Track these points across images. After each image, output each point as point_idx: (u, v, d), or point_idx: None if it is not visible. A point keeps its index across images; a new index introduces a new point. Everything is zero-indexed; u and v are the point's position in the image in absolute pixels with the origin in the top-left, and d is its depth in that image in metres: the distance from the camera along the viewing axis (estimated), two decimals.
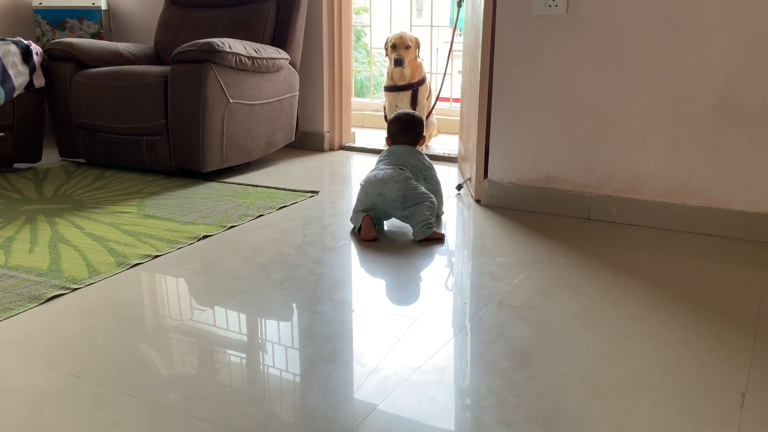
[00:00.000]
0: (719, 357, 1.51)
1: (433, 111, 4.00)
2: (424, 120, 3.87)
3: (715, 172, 2.35)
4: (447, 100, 4.74)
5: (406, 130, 2.59)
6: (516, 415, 1.29)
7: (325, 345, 1.56)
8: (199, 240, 2.29)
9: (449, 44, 3.83)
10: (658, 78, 2.38)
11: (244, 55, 3.10)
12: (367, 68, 6.00)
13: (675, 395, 1.36)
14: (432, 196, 2.39)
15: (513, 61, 2.60)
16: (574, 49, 2.49)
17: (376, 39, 5.06)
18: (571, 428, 1.25)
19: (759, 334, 1.62)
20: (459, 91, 4.96)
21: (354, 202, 2.43)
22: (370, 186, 2.37)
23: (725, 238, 2.34)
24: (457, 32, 3.83)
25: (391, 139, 2.63)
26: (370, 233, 2.28)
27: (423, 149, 2.70)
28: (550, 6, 2.49)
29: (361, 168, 3.47)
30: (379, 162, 2.54)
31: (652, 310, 1.76)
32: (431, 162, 2.60)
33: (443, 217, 2.58)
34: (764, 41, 2.20)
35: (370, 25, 5.17)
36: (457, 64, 4.68)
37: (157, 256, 2.13)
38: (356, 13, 6.47)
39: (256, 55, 3.18)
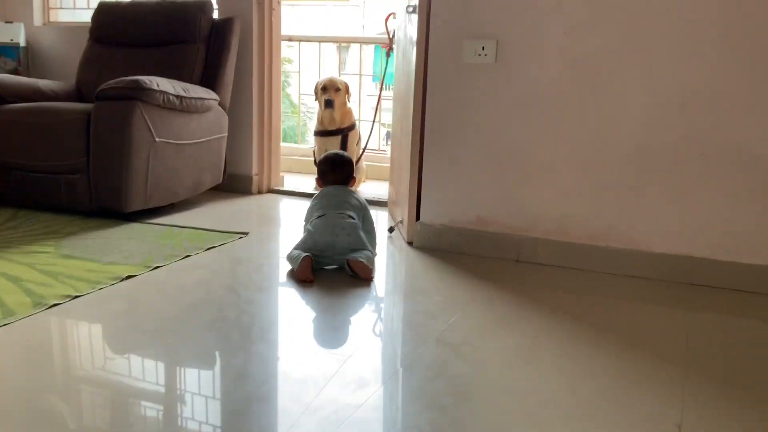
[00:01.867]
0: (653, 392, 1.54)
1: (362, 157, 4.02)
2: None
3: (636, 215, 2.45)
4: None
5: (335, 169, 2.59)
6: None
7: (261, 386, 1.50)
8: (121, 280, 2.18)
9: (377, 96, 3.90)
10: (581, 126, 2.48)
11: (171, 94, 3.04)
12: (291, 117, 5.99)
13: (616, 429, 1.37)
14: (372, 249, 2.43)
15: (444, 107, 2.65)
16: (503, 97, 2.57)
17: (303, 86, 5.07)
18: None
19: (688, 370, 1.67)
20: (384, 140, 5.03)
21: (284, 244, 2.38)
22: (319, 235, 2.34)
23: (647, 279, 2.43)
24: (384, 85, 3.92)
25: (321, 179, 2.63)
26: (307, 275, 2.24)
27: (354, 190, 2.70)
28: (479, 54, 2.57)
29: (290, 211, 3.42)
30: (314, 206, 2.51)
31: (586, 348, 1.79)
32: (365, 201, 2.60)
33: (376, 258, 2.56)
34: (674, 93, 2.34)
35: (299, 71, 5.16)
36: (384, 116, 4.75)
37: (77, 297, 2.01)
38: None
39: (184, 94, 3.12)
